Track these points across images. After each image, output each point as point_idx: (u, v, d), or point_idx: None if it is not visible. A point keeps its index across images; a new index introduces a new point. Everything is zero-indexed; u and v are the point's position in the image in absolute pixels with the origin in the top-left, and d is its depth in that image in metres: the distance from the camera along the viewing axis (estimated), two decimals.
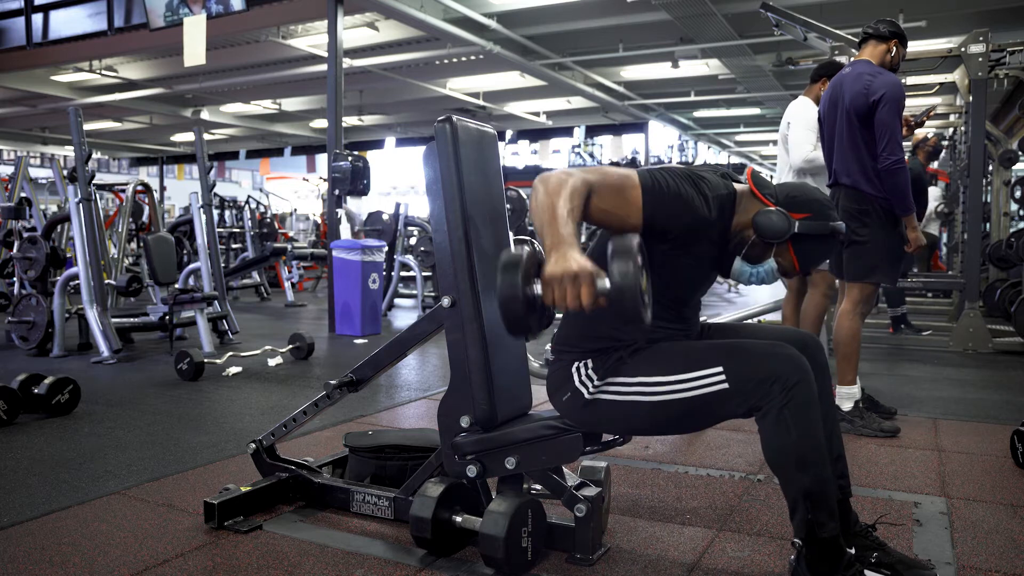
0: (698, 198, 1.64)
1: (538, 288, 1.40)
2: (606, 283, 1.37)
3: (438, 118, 1.92)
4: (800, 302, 3.77)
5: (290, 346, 5.13)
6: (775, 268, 1.75)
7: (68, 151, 18.79)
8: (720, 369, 1.61)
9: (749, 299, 10.35)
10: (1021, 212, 9.45)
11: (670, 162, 21.86)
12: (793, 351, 1.62)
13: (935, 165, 7.48)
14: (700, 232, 1.68)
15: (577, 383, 1.76)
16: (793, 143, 3.74)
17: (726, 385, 1.60)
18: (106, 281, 5.27)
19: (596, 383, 1.73)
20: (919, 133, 6.10)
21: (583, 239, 10.94)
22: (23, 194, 7.28)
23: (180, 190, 23.85)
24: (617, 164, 18.19)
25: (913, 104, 7.59)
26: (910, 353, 5.45)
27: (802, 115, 3.74)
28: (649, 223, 1.60)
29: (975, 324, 5.44)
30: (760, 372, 1.58)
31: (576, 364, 1.77)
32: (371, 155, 16.62)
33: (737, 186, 1.77)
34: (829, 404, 1.81)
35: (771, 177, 7.03)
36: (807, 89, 3.92)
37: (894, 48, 3.22)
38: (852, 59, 3.41)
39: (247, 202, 12.25)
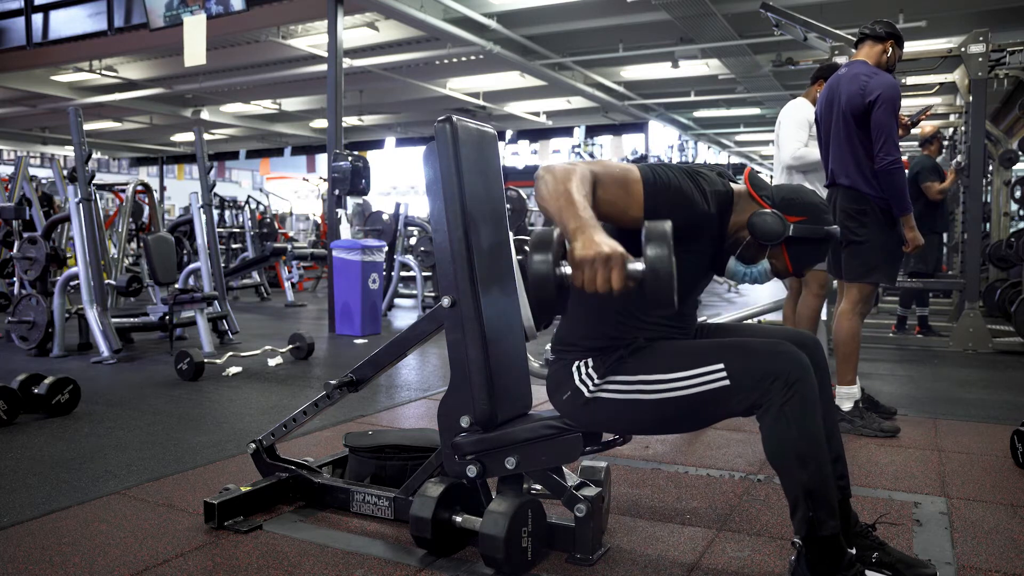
0: (697, 193, 1.66)
1: (566, 269, 1.40)
2: (637, 266, 1.37)
3: (438, 118, 1.92)
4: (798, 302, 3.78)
5: (290, 346, 5.13)
6: (768, 269, 1.77)
7: (68, 151, 18.80)
8: (721, 366, 1.61)
9: (749, 299, 10.35)
10: (1021, 212, 9.44)
11: (670, 161, 21.88)
12: (794, 349, 1.62)
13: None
14: (700, 227, 1.69)
15: (577, 382, 1.76)
16: (783, 141, 3.75)
17: (727, 382, 1.60)
18: (106, 281, 5.27)
19: (596, 382, 1.73)
20: (925, 126, 6.07)
21: None
22: (23, 194, 7.28)
23: (180, 190, 23.86)
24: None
25: (912, 104, 7.59)
26: (910, 353, 5.45)
27: (792, 114, 3.76)
28: (650, 216, 1.60)
29: (975, 324, 5.44)
30: (761, 369, 1.58)
31: (576, 363, 1.77)
32: (371, 155, 16.62)
33: (734, 186, 1.79)
34: (828, 404, 1.81)
35: (770, 178, 7.03)
36: (806, 91, 3.93)
37: (890, 49, 3.23)
38: (849, 59, 3.42)
39: (247, 202, 12.25)
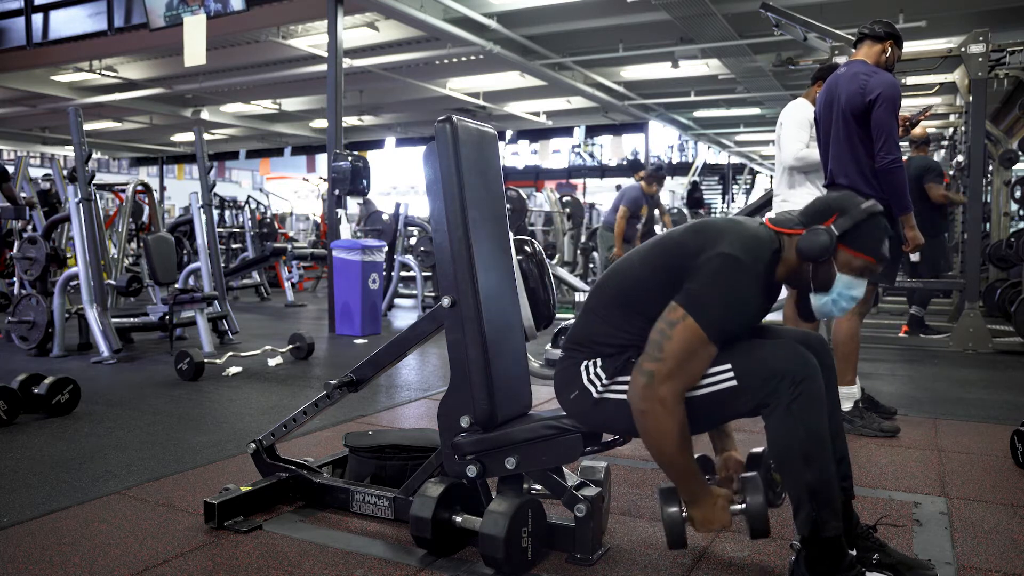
0: (747, 301, 1.66)
1: (685, 512, 1.71)
2: (738, 507, 1.69)
3: (438, 118, 1.92)
4: None
5: (290, 346, 5.13)
6: (849, 280, 1.69)
7: (68, 151, 18.79)
8: (728, 367, 1.62)
9: None
10: (1021, 212, 9.44)
11: (669, 162, 21.85)
12: (801, 348, 1.63)
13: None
14: (759, 313, 1.73)
15: (585, 381, 1.76)
16: (784, 141, 3.73)
17: (735, 382, 1.61)
18: (106, 281, 5.26)
19: (605, 382, 1.73)
20: (917, 131, 6.08)
21: (583, 239, 10.94)
22: (23, 194, 7.28)
23: (180, 190, 23.85)
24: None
25: (911, 104, 7.60)
26: (910, 353, 5.45)
27: (793, 114, 3.73)
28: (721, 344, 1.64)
29: (975, 324, 5.44)
30: (768, 369, 1.59)
31: (584, 363, 1.77)
32: (371, 155, 16.64)
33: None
34: (834, 404, 1.81)
35: (770, 178, 7.01)
36: (807, 91, 3.92)
37: (889, 48, 3.22)
38: (848, 59, 3.41)
39: (247, 202, 12.24)
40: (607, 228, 7.90)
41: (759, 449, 1.79)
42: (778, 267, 1.73)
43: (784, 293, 4.43)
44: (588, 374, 1.76)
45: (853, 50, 3.37)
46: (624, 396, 1.70)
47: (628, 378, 1.70)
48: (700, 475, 1.68)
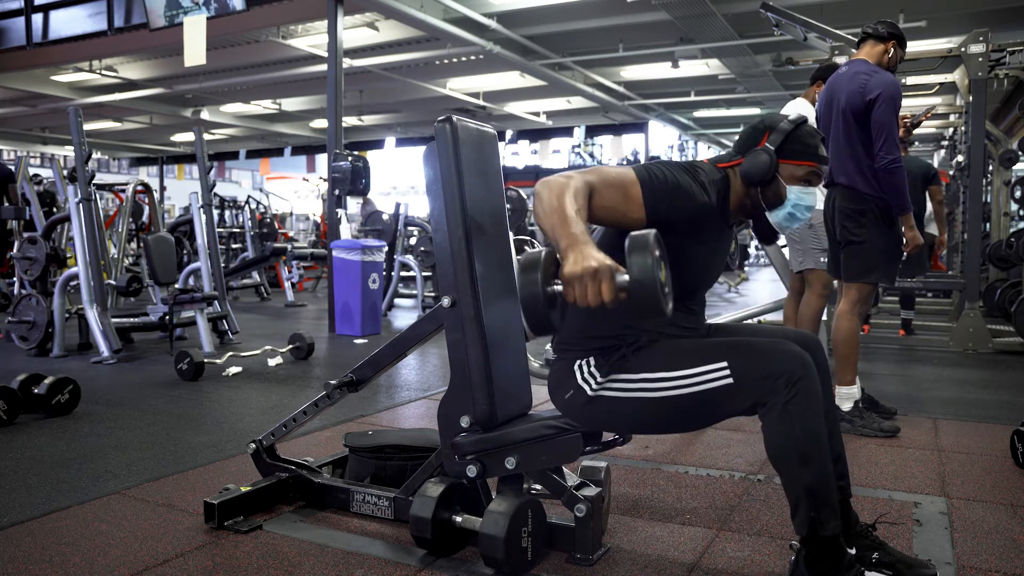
0: (695, 185, 1.68)
1: (559, 286, 1.43)
2: (625, 278, 1.39)
3: (438, 118, 1.92)
4: (800, 302, 3.77)
5: (290, 346, 5.13)
6: (801, 189, 1.76)
7: (68, 151, 18.79)
8: (724, 364, 1.61)
9: (749, 299, 10.35)
10: (1021, 212, 9.45)
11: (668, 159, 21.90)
12: (797, 348, 1.62)
13: (936, 164, 7.48)
14: (703, 218, 1.71)
15: (579, 380, 1.76)
16: None
17: (730, 380, 1.60)
18: (106, 281, 5.27)
19: (599, 380, 1.73)
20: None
21: None
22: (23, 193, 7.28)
23: (180, 190, 23.85)
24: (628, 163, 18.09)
25: (912, 104, 7.59)
26: (910, 353, 5.45)
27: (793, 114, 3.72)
28: (652, 217, 1.62)
29: (975, 324, 5.44)
30: (764, 368, 1.58)
31: (578, 362, 1.77)
32: (371, 155, 16.62)
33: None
34: (829, 404, 1.81)
35: None
36: (806, 91, 3.92)
37: (892, 49, 3.21)
38: (849, 59, 3.40)
39: (247, 202, 12.24)
40: None
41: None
42: (730, 199, 1.78)
43: (784, 293, 4.41)
44: (582, 373, 1.75)
45: (854, 50, 3.37)
46: (620, 394, 1.70)
47: (623, 376, 1.70)
48: (584, 227, 1.46)
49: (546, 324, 1.44)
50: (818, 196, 3.59)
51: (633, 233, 1.43)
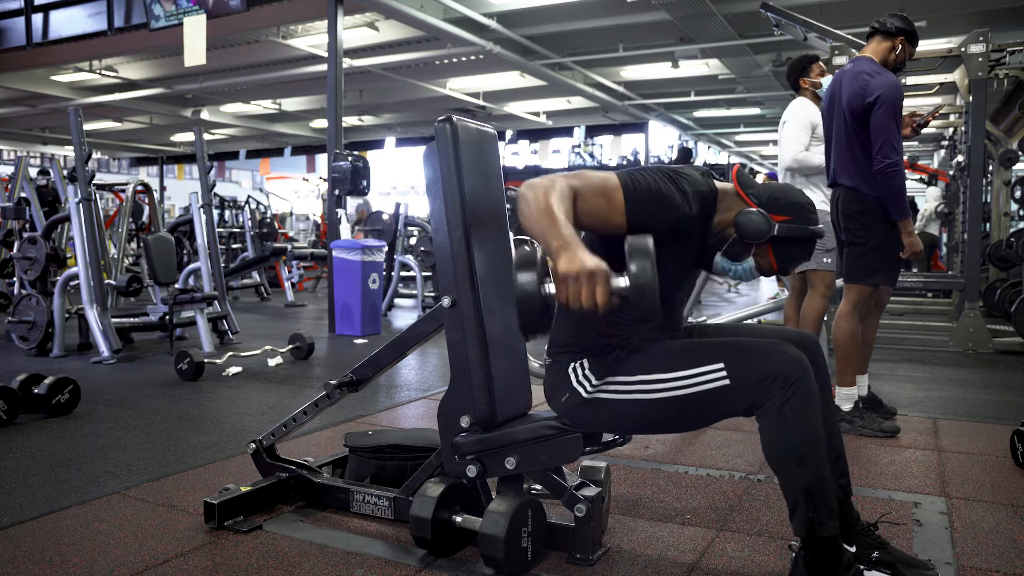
0: (678, 195, 1.66)
1: (551, 287, 1.42)
2: (621, 282, 1.40)
3: (438, 118, 1.92)
4: (802, 303, 3.77)
5: (290, 346, 5.13)
6: (754, 266, 1.76)
7: (68, 151, 18.79)
8: (721, 365, 1.61)
9: (749, 299, 10.35)
10: (1021, 212, 9.44)
11: (670, 162, 21.88)
12: (794, 349, 1.62)
13: (935, 164, 7.47)
14: (682, 229, 1.69)
15: (574, 383, 1.75)
16: (784, 142, 3.70)
17: (727, 381, 1.60)
18: (106, 281, 5.26)
19: (594, 382, 1.73)
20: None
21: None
22: (23, 194, 7.28)
23: (180, 190, 23.85)
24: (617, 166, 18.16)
25: (913, 104, 7.59)
26: (910, 353, 5.44)
27: (795, 115, 3.69)
28: (632, 224, 1.61)
29: (975, 324, 5.44)
30: (761, 369, 1.58)
31: (572, 364, 1.77)
32: (371, 155, 16.62)
33: (721, 184, 1.79)
34: (828, 404, 1.81)
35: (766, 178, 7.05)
36: (801, 90, 3.91)
37: (900, 45, 3.15)
38: (856, 55, 3.38)
39: (247, 202, 12.24)
40: None
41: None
42: (715, 217, 1.76)
43: (785, 294, 4.41)
44: (577, 376, 1.75)
45: (855, 51, 3.35)
46: (616, 396, 1.70)
47: (619, 378, 1.70)
48: (571, 226, 1.46)
49: (539, 324, 1.44)
50: (822, 196, 3.60)
51: (631, 237, 1.43)
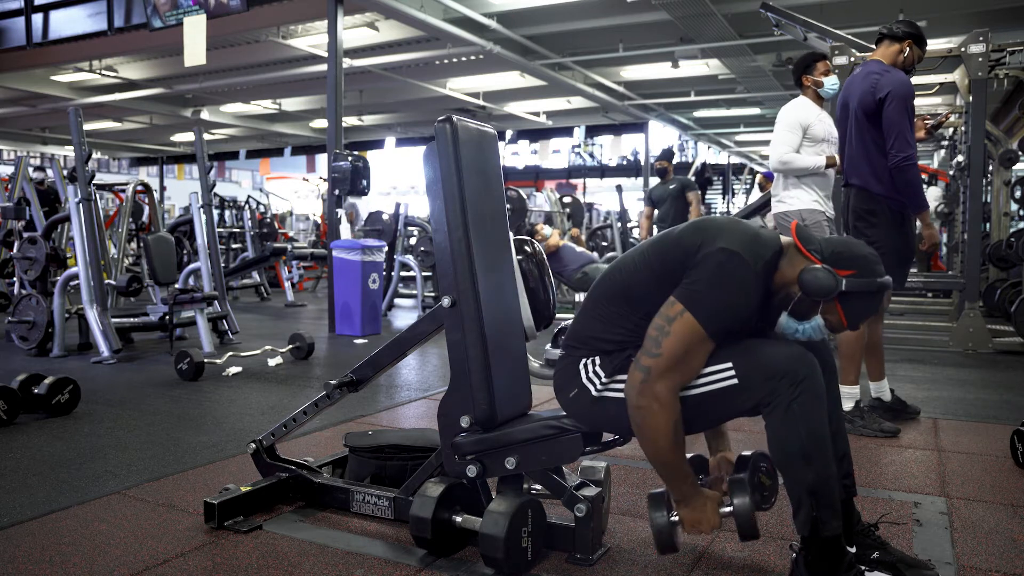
0: (745, 299, 1.63)
1: (675, 518, 1.74)
2: (727, 509, 1.70)
3: (438, 118, 1.92)
4: None
5: (290, 346, 5.13)
6: (822, 324, 1.68)
7: (68, 151, 18.79)
8: (729, 365, 1.62)
9: None
10: (1021, 212, 9.45)
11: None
12: (801, 348, 1.63)
13: (935, 164, 7.47)
14: (749, 318, 1.68)
15: (584, 380, 1.76)
16: (772, 144, 3.66)
17: (735, 381, 1.61)
18: (106, 281, 5.26)
19: (604, 380, 1.73)
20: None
21: (585, 238, 10.93)
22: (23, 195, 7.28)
23: (180, 190, 23.85)
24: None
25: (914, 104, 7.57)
26: (910, 353, 5.44)
27: (785, 116, 3.63)
28: (716, 340, 1.64)
29: (975, 324, 5.44)
30: (769, 368, 1.58)
31: (583, 361, 1.77)
32: (371, 155, 16.64)
33: (782, 239, 1.73)
34: (834, 403, 1.80)
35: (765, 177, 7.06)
36: (804, 88, 3.90)
37: (907, 48, 3.19)
38: (865, 59, 3.40)
39: (247, 202, 12.24)
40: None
41: (749, 452, 1.78)
42: (776, 273, 1.69)
43: None
44: (587, 372, 1.76)
45: (855, 51, 3.38)
46: (623, 394, 1.70)
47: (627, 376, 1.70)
48: (691, 475, 1.70)
49: (675, 547, 1.76)
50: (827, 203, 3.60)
51: (733, 478, 1.72)
